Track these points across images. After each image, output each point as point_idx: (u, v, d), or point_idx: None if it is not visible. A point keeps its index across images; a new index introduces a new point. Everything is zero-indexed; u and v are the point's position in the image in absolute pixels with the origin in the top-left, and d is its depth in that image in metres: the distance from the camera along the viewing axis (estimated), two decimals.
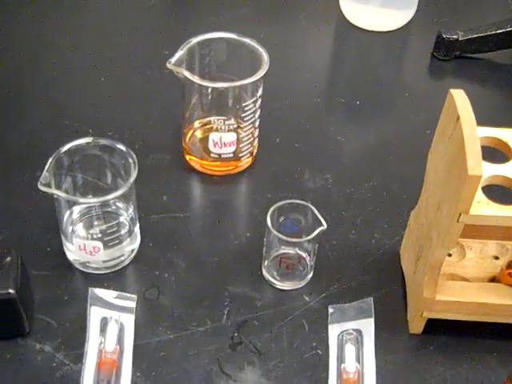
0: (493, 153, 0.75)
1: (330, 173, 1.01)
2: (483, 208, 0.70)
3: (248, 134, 0.98)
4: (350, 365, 0.78)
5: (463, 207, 0.68)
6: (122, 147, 0.84)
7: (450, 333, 0.83)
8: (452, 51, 1.23)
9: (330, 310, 0.83)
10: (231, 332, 0.82)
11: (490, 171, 0.74)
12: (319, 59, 1.24)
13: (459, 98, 0.73)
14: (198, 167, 1.00)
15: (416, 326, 0.82)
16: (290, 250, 0.86)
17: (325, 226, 0.82)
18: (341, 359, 0.79)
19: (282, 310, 0.85)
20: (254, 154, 1.03)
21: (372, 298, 0.84)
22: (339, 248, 0.92)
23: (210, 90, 0.94)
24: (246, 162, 1.01)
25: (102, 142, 0.85)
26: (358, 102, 1.14)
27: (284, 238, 0.82)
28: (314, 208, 0.84)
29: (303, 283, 0.87)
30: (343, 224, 0.94)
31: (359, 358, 0.79)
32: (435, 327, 0.83)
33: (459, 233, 0.70)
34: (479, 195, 0.71)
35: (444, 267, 0.81)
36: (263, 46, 0.94)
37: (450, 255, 0.86)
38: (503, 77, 1.21)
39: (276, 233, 0.82)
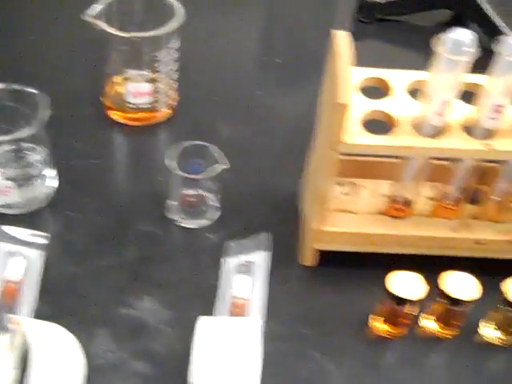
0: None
1: (244, 124, 1.03)
2: (357, 137, 0.72)
3: (164, 86, 0.99)
4: (241, 293, 0.79)
5: (334, 135, 0.70)
6: (33, 91, 0.85)
7: (340, 264, 0.85)
8: (374, 14, 1.25)
9: (228, 245, 0.85)
10: (134, 266, 0.84)
11: (370, 106, 0.75)
12: (246, 21, 1.25)
13: (340, 37, 0.75)
14: (118, 119, 1.02)
15: (308, 257, 0.84)
16: (193, 190, 0.87)
17: (226, 164, 0.84)
18: (232, 287, 0.80)
19: (184, 246, 0.87)
20: (174, 107, 1.04)
21: (268, 233, 0.85)
22: (245, 191, 0.94)
23: (125, 42, 0.95)
24: (164, 113, 1.02)
25: (15, 87, 0.86)
26: (278, 60, 1.15)
27: (185, 175, 0.83)
28: (215, 148, 0.85)
29: (208, 222, 0.89)
30: (251, 169, 0.96)
31: (251, 288, 0.80)
32: (327, 259, 0.84)
33: (335, 161, 0.72)
34: (357, 127, 0.72)
35: (338, 204, 0.83)
36: (182, 3, 0.95)
37: (346, 194, 0.88)
38: (424, 39, 1.22)
39: (178, 172, 0.83)
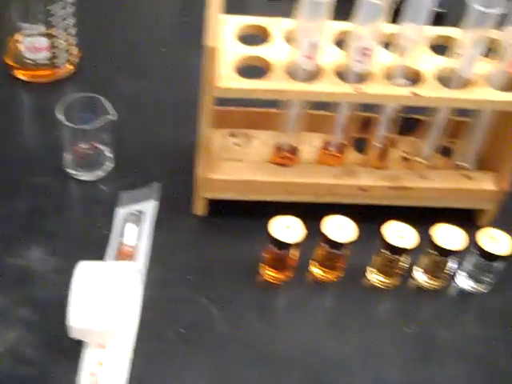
0: None
1: (146, 79, 1.03)
2: (231, 81, 0.72)
3: (63, 41, 0.98)
4: (128, 240, 0.80)
5: (208, 79, 0.71)
6: None
7: (231, 214, 0.86)
8: None
9: (121, 196, 0.85)
10: (25, 217, 0.84)
11: (246, 52, 0.76)
12: None
13: None
14: (21, 76, 1.02)
15: (199, 207, 0.85)
16: (85, 142, 0.87)
17: (114, 116, 0.84)
18: (121, 236, 0.81)
19: (78, 198, 0.88)
20: (76, 63, 1.03)
21: (159, 184, 0.86)
22: (143, 143, 0.94)
23: None
24: (66, 70, 1.02)
25: None
26: (185, 19, 1.16)
27: (75, 127, 0.83)
28: (104, 99, 0.85)
29: (102, 174, 0.89)
30: (149, 122, 0.97)
31: (138, 236, 0.81)
32: (218, 209, 0.86)
33: (211, 106, 0.73)
34: (231, 72, 0.74)
35: (230, 155, 0.84)
36: None
37: (238, 145, 0.89)
38: None
39: (67, 124, 0.83)
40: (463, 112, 0.84)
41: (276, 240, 0.75)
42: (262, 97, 0.73)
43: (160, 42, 1.12)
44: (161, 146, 0.94)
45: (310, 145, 0.86)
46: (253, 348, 0.75)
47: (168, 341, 0.74)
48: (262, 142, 0.88)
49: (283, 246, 0.75)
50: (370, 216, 0.80)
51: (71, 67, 1.03)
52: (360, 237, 0.78)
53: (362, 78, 0.74)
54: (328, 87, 0.72)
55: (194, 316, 0.77)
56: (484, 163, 0.87)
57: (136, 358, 0.72)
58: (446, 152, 0.90)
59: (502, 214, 0.87)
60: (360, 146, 0.87)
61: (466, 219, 0.86)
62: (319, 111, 0.84)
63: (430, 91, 0.73)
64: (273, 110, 0.84)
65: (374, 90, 0.73)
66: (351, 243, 0.76)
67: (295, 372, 0.73)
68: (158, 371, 0.72)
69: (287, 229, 0.75)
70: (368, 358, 0.75)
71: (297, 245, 0.76)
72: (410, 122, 0.86)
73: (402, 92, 0.74)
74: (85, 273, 0.71)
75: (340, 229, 0.76)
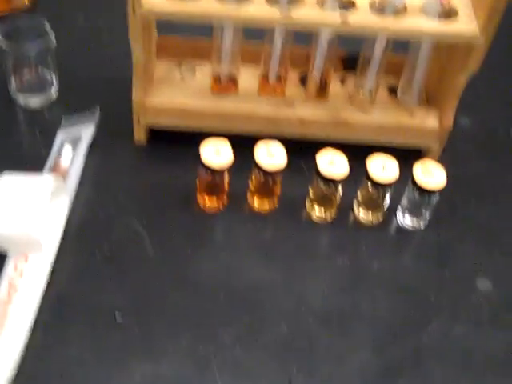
0: None
1: (103, 13, 1.03)
2: (157, 5, 0.71)
3: None
4: (64, 160, 0.79)
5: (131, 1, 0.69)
6: None
7: (170, 143, 0.85)
8: None
9: (63, 120, 0.84)
10: None
11: None
12: None
13: None
14: None
15: (138, 134, 0.84)
16: (28, 68, 0.87)
17: (53, 40, 0.83)
18: (58, 156, 0.80)
19: (21, 123, 0.87)
20: None
21: (102, 110, 0.85)
22: (88, 72, 0.93)
23: None
24: (21, 2, 1.01)
25: None
26: None
27: (16, 51, 0.83)
28: (46, 22, 0.85)
29: (45, 100, 0.88)
30: (97, 52, 0.97)
31: (74, 157, 0.80)
32: (159, 137, 0.85)
33: (138, 28, 0.71)
34: None
35: (172, 83, 0.83)
36: None
37: (182, 75, 0.87)
38: None
39: (8, 48, 0.82)
40: (406, 49, 0.82)
41: (206, 163, 0.74)
42: (189, 20, 0.71)
43: None
44: (107, 74, 0.93)
45: (251, 76, 0.84)
46: (179, 271, 0.74)
47: (93, 259, 0.74)
48: (206, 74, 0.86)
49: (213, 170, 0.74)
50: (307, 151, 0.78)
51: (25, 1, 1.01)
52: (298, 166, 0.78)
53: (292, 2, 0.72)
54: (256, 10, 0.71)
55: (122, 237, 0.76)
56: (429, 102, 0.85)
57: (58, 273, 0.71)
58: (392, 91, 0.88)
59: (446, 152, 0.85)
60: (301, 78, 0.86)
61: (410, 159, 0.83)
62: (259, 42, 0.82)
63: (361, 18, 0.72)
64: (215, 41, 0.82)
65: (302, 14, 0.71)
66: (283, 170, 0.75)
67: (220, 294, 0.72)
68: (79, 287, 0.71)
69: (217, 153, 0.74)
70: (294, 285, 0.74)
71: (228, 170, 0.75)
72: (352, 57, 0.85)
73: (332, 17, 0.72)
74: (7, 184, 0.70)
75: (272, 156, 0.75)
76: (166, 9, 0.70)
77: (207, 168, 0.73)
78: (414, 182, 0.75)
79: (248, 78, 0.84)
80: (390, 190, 0.77)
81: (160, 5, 0.70)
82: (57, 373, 0.65)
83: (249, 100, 0.81)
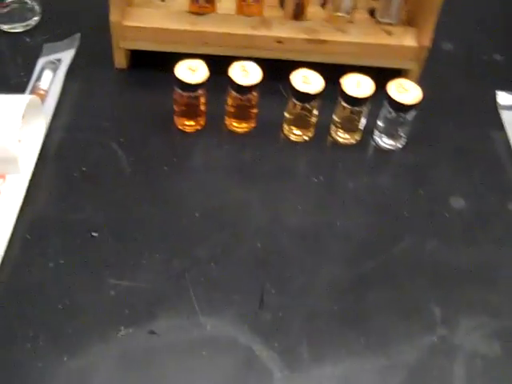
0: None
1: None
2: None
3: None
4: (43, 84, 0.79)
5: None
6: None
7: (151, 67, 0.85)
8: None
9: (44, 47, 0.84)
10: None
11: None
12: None
13: None
14: None
15: (118, 58, 0.83)
16: None
17: None
18: (38, 81, 0.80)
19: (3, 49, 0.87)
20: None
21: (82, 36, 0.85)
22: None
23: None
24: None
25: None
26: None
27: None
28: None
29: (27, 26, 0.88)
30: None
31: (53, 81, 0.80)
32: (140, 63, 0.85)
33: None
34: None
35: (151, 6, 0.82)
36: None
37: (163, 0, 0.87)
38: None
39: None
40: None
41: (181, 81, 0.74)
42: None
43: None
44: (88, 2, 0.92)
45: None
46: (155, 189, 0.75)
47: (71, 179, 0.74)
48: None
49: (186, 87, 0.74)
50: (285, 73, 0.78)
51: None
52: (276, 89, 0.80)
53: None
54: None
55: (100, 157, 0.77)
56: (409, 22, 0.84)
57: (36, 192, 0.72)
58: (372, 14, 0.87)
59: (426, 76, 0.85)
60: (281, 1, 0.85)
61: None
62: None
63: None
64: None
65: None
66: (256, 85, 0.74)
67: (196, 212, 0.73)
68: (57, 205, 0.72)
69: (193, 72, 0.74)
70: (270, 203, 0.75)
71: (204, 91, 0.75)
72: None
73: None
74: None
75: (248, 74, 0.75)
76: None
77: (182, 84, 0.73)
78: (388, 99, 0.75)
79: (225, 0, 0.83)
80: (365, 108, 0.76)
81: None
82: (35, 285, 0.66)
83: (226, 19, 0.81)
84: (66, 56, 0.83)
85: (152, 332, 0.64)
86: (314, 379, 0.63)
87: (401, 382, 0.63)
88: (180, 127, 0.79)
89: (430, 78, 0.85)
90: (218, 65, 0.76)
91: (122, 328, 0.64)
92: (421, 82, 0.79)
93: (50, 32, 0.88)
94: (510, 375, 0.64)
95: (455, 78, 0.90)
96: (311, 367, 0.63)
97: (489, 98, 0.87)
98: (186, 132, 0.80)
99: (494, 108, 0.87)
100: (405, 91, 0.75)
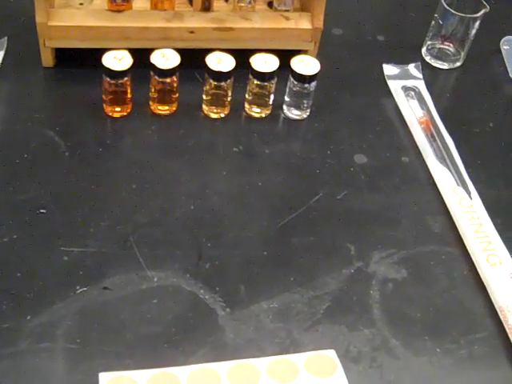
0: None
1: None
2: None
3: None
4: None
5: None
6: None
7: (78, 64, 0.90)
8: None
9: None
10: None
11: None
12: None
13: None
14: None
15: (46, 58, 0.88)
16: None
17: None
18: None
19: None
20: None
21: (8, 38, 0.89)
22: None
23: None
24: None
25: None
26: None
27: None
28: None
29: None
30: None
31: None
32: (66, 61, 0.90)
33: None
34: None
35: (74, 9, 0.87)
36: None
37: (81, 4, 0.92)
38: None
39: None
40: None
41: (109, 69, 0.79)
42: None
43: None
44: (11, 7, 0.96)
45: None
46: (93, 168, 0.80)
47: (14, 164, 0.79)
48: (103, 0, 0.91)
49: (114, 75, 0.79)
50: (199, 61, 0.84)
51: None
52: (192, 76, 0.87)
53: None
54: None
55: (39, 144, 0.81)
56: (302, 8, 0.93)
57: None
58: (270, 5, 0.95)
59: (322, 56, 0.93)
60: None
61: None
62: None
63: None
64: None
65: None
66: (176, 68, 0.81)
67: (133, 184, 0.79)
68: (4, 187, 0.77)
69: (119, 60, 0.80)
70: (198, 172, 0.81)
71: (129, 77, 0.80)
72: None
73: None
74: None
75: (167, 60, 0.81)
76: None
77: (110, 73, 0.79)
78: (292, 72, 0.83)
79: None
80: (273, 82, 0.84)
81: None
82: None
83: (142, 15, 0.87)
84: None
85: (105, 288, 0.69)
86: (253, 313, 0.69)
87: (327, 308, 0.71)
88: (109, 114, 0.85)
89: (326, 58, 0.93)
90: (140, 57, 0.82)
91: (78, 287, 0.69)
92: (318, 61, 0.87)
93: None
94: (415, 293, 0.73)
95: (347, 56, 0.99)
96: (249, 304, 0.70)
97: (376, 71, 0.97)
98: (116, 118, 0.85)
99: (382, 79, 0.96)
100: (305, 65, 0.83)
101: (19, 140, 0.81)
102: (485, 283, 0.72)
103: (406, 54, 1.00)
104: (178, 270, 0.72)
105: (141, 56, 0.82)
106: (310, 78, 0.83)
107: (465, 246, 0.76)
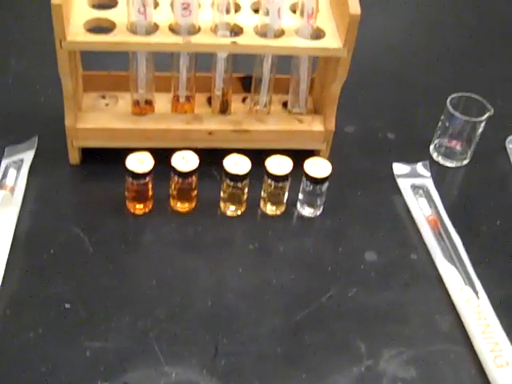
0: None
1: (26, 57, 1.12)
2: (79, 36, 0.82)
3: None
4: (9, 181, 0.88)
5: (59, 34, 0.79)
6: None
7: (103, 162, 0.95)
8: None
9: (6, 150, 0.93)
10: None
11: (94, 14, 0.86)
12: None
13: None
14: None
15: (72, 156, 0.93)
16: None
17: None
18: (4, 179, 0.89)
19: None
20: None
21: (39, 138, 0.95)
22: (24, 105, 1.02)
23: None
24: None
25: None
26: None
27: None
28: None
29: None
30: (29, 84, 1.06)
31: (17, 178, 0.89)
32: (92, 158, 0.95)
33: (65, 59, 0.82)
34: (81, 30, 0.83)
35: (99, 112, 0.93)
36: None
37: (107, 104, 0.98)
38: None
39: None
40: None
41: (132, 171, 0.84)
42: (104, 49, 0.82)
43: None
44: (41, 109, 1.02)
45: (165, 100, 0.96)
46: (116, 264, 0.84)
47: (41, 259, 0.83)
48: (127, 102, 0.97)
49: (136, 176, 0.84)
50: (217, 160, 0.89)
51: None
52: (210, 174, 0.91)
53: (190, 32, 0.84)
54: (162, 38, 0.83)
55: (65, 240, 0.85)
56: (316, 111, 0.98)
57: (10, 274, 0.81)
58: (285, 106, 1.01)
59: (334, 154, 0.98)
60: (209, 100, 0.98)
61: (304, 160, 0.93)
62: (167, 73, 0.93)
63: (247, 40, 0.84)
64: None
65: (200, 40, 0.83)
66: (195, 170, 0.85)
67: (153, 281, 0.82)
68: (30, 284, 0.80)
69: (141, 162, 0.85)
70: (214, 268, 0.85)
71: (151, 177, 0.85)
72: (247, 78, 0.97)
73: (225, 41, 0.84)
74: None
75: (187, 162, 0.86)
76: (87, 39, 0.81)
77: (133, 174, 0.83)
78: (305, 174, 0.87)
79: (162, 102, 0.96)
80: (287, 183, 0.89)
81: (81, 36, 0.81)
82: (19, 352, 0.74)
83: (164, 118, 0.92)
84: (27, 156, 0.92)
85: (125, 383, 0.72)
86: None
87: None
88: (132, 210, 0.89)
89: (338, 156, 0.98)
90: (161, 156, 0.87)
91: (99, 382, 0.72)
92: (330, 159, 0.91)
93: (10, 138, 0.96)
94: None
95: (358, 154, 1.03)
96: None
97: (387, 169, 1.01)
98: (137, 214, 0.89)
99: (391, 177, 1.00)
100: (318, 167, 0.88)
101: (46, 235, 0.85)
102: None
103: (415, 151, 1.04)
104: (195, 366, 0.74)
105: (162, 154, 0.86)
106: (323, 180, 0.87)
107: (473, 346, 0.79)
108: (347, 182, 0.98)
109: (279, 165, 0.87)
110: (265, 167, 0.87)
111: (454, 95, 0.99)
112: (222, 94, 0.94)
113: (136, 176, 0.84)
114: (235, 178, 0.86)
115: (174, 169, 0.85)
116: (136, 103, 0.92)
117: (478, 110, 0.99)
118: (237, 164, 0.86)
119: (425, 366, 0.77)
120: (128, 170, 0.84)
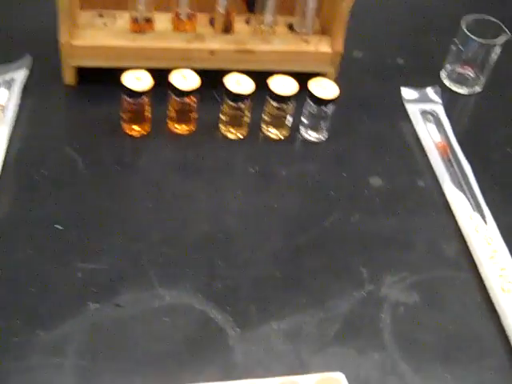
0: None
1: None
2: None
3: None
4: (0, 100, 0.84)
5: None
6: None
7: (98, 82, 0.90)
8: None
9: None
10: None
11: None
12: None
13: None
14: None
15: (67, 75, 0.89)
16: None
17: None
18: None
19: None
20: None
21: (32, 57, 0.91)
22: (15, 24, 0.97)
23: None
24: None
25: None
26: None
27: None
28: None
29: None
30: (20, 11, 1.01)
31: (9, 98, 0.85)
32: (88, 78, 0.91)
33: None
34: None
35: (96, 29, 0.89)
36: None
37: (105, 24, 0.93)
38: None
39: None
40: None
41: (128, 89, 0.80)
42: None
43: None
44: (34, 26, 0.97)
45: (165, 20, 0.91)
46: (111, 185, 0.81)
47: (33, 180, 0.79)
48: (126, 21, 0.92)
49: (133, 94, 0.80)
50: (218, 82, 0.85)
51: None
52: (211, 96, 0.86)
53: None
54: None
55: (57, 161, 0.82)
56: (323, 33, 0.93)
57: (2, 193, 0.77)
58: (291, 28, 0.96)
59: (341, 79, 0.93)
60: (211, 21, 0.93)
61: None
62: None
63: None
64: None
65: None
66: (195, 90, 0.81)
67: (149, 203, 0.79)
68: (22, 203, 0.77)
69: (138, 80, 0.80)
70: (213, 192, 0.82)
71: (148, 97, 0.81)
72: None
73: None
74: None
75: (187, 81, 0.82)
76: None
77: (129, 92, 0.79)
78: (309, 94, 0.83)
79: (162, 23, 0.91)
80: (290, 105, 0.84)
81: None
82: (8, 273, 0.71)
83: (164, 36, 0.88)
84: (19, 75, 0.88)
85: (117, 305, 0.69)
86: (263, 334, 0.69)
87: (337, 330, 0.70)
88: (128, 132, 0.85)
89: (345, 80, 0.93)
90: (160, 77, 0.82)
91: (90, 303, 0.69)
92: (337, 83, 0.87)
93: (2, 55, 0.92)
94: (426, 318, 0.72)
95: (366, 79, 0.99)
96: (260, 324, 0.70)
97: (395, 94, 0.96)
98: (134, 136, 0.86)
99: (400, 103, 0.96)
100: (323, 88, 0.83)
101: (38, 156, 0.82)
102: (498, 310, 0.71)
103: (425, 77, 0.99)
104: (190, 289, 0.71)
105: (160, 76, 0.82)
106: (328, 101, 0.82)
107: (479, 272, 0.75)
108: (353, 106, 0.94)
109: (283, 85, 0.82)
110: (268, 86, 0.82)
111: (468, 16, 0.94)
112: (226, 14, 0.89)
113: (132, 94, 0.80)
114: (236, 97, 0.82)
115: (172, 87, 0.81)
116: (135, 20, 0.87)
117: (493, 35, 0.94)
118: (238, 83, 0.82)
119: (428, 291, 0.74)
120: (124, 88, 0.80)
